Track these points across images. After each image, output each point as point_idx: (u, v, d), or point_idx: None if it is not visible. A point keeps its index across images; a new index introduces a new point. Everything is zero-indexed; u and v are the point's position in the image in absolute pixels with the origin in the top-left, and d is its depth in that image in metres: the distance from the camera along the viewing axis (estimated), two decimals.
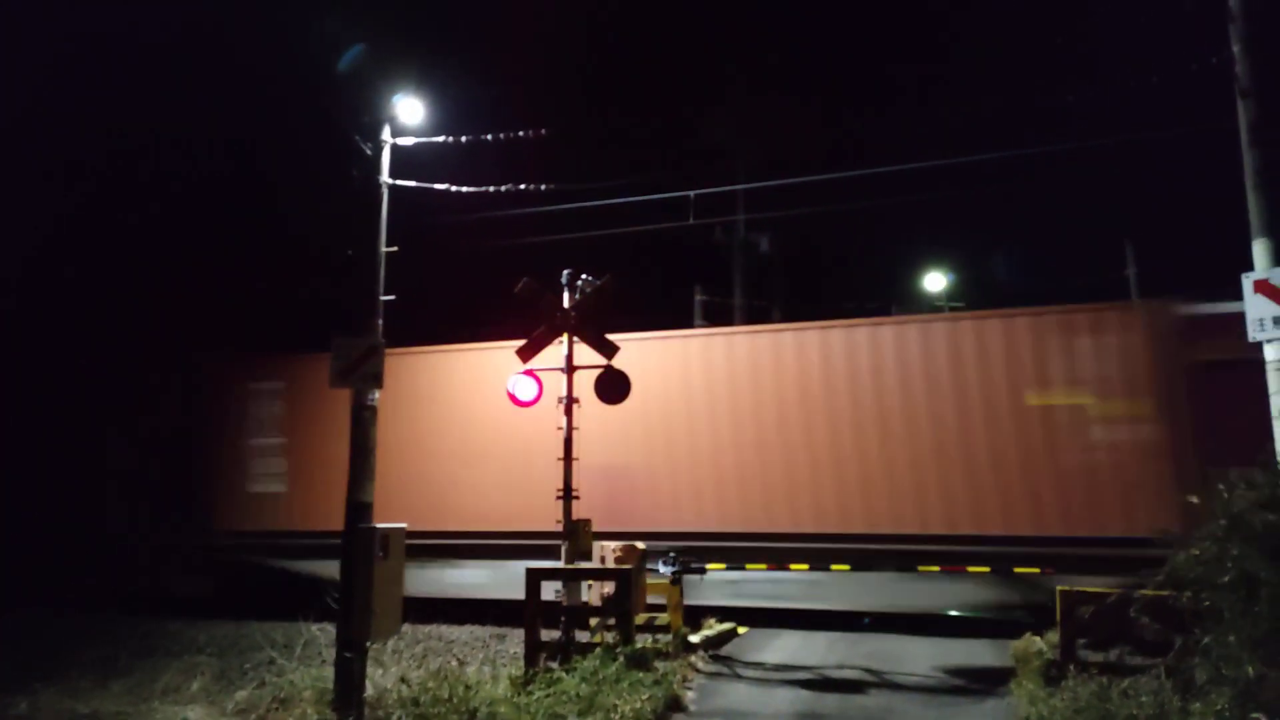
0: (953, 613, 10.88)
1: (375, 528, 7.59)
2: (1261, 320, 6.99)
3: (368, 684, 7.20)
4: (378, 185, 8.68)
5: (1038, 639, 8.76)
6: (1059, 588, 7.65)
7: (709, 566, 10.78)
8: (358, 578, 7.38)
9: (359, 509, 7.77)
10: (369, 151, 8.67)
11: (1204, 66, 7.80)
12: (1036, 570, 10.16)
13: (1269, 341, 6.99)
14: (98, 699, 8.18)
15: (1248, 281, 7.11)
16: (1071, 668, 7.05)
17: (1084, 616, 7.25)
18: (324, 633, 8.07)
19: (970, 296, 22.47)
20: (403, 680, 7.09)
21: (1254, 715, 4.54)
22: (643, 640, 8.93)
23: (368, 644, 7.28)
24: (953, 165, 11.99)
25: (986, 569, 10.42)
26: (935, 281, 22.44)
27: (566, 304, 9.95)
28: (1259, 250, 7.27)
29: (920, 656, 9.35)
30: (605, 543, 9.77)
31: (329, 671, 7.33)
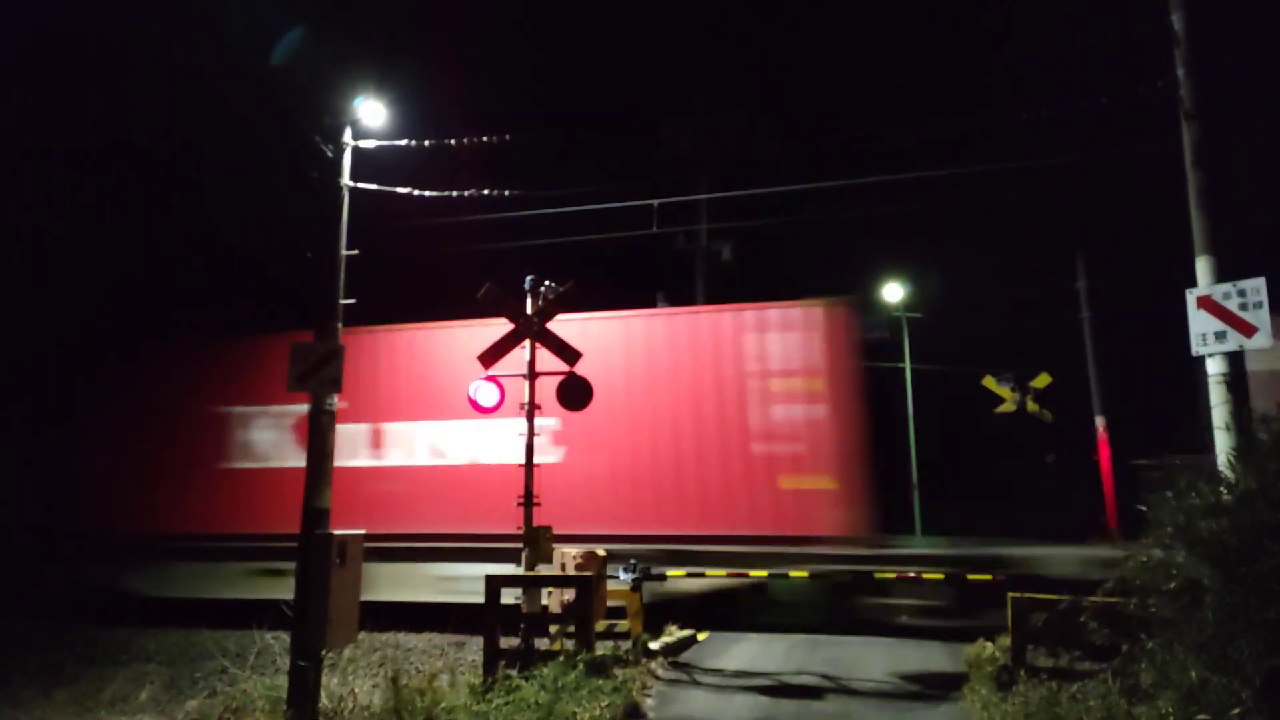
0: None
1: (332, 534, 7.49)
2: (1204, 335, 7.20)
3: (323, 693, 7.11)
4: (339, 188, 8.60)
5: (990, 645, 8.94)
6: (1010, 594, 7.82)
7: (669, 572, 10.82)
8: (314, 585, 7.27)
9: (316, 515, 7.67)
10: (330, 153, 8.59)
11: (1150, 89, 8.05)
12: (989, 577, 10.36)
13: (1210, 355, 7.22)
14: (41, 708, 7.97)
15: (1191, 297, 7.33)
16: (1022, 673, 7.21)
17: (1035, 623, 7.43)
18: (278, 640, 7.94)
19: (928, 307, 22.86)
20: (352, 692, 7.03)
21: (1200, 717, 4.68)
22: (602, 647, 8.93)
23: (323, 652, 7.18)
24: (912, 179, 12.22)
25: (940, 575, 10.60)
26: (893, 292, 22.79)
27: (529, 310, 9.93)
28: (1202, 267, 7.50)
29: (876, 661, 9.47)
30: (566, 548, 9.76)
31: (283, 680, 7.21)
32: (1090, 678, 6.66)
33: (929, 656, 9.74)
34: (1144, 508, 5.72)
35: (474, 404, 9.80)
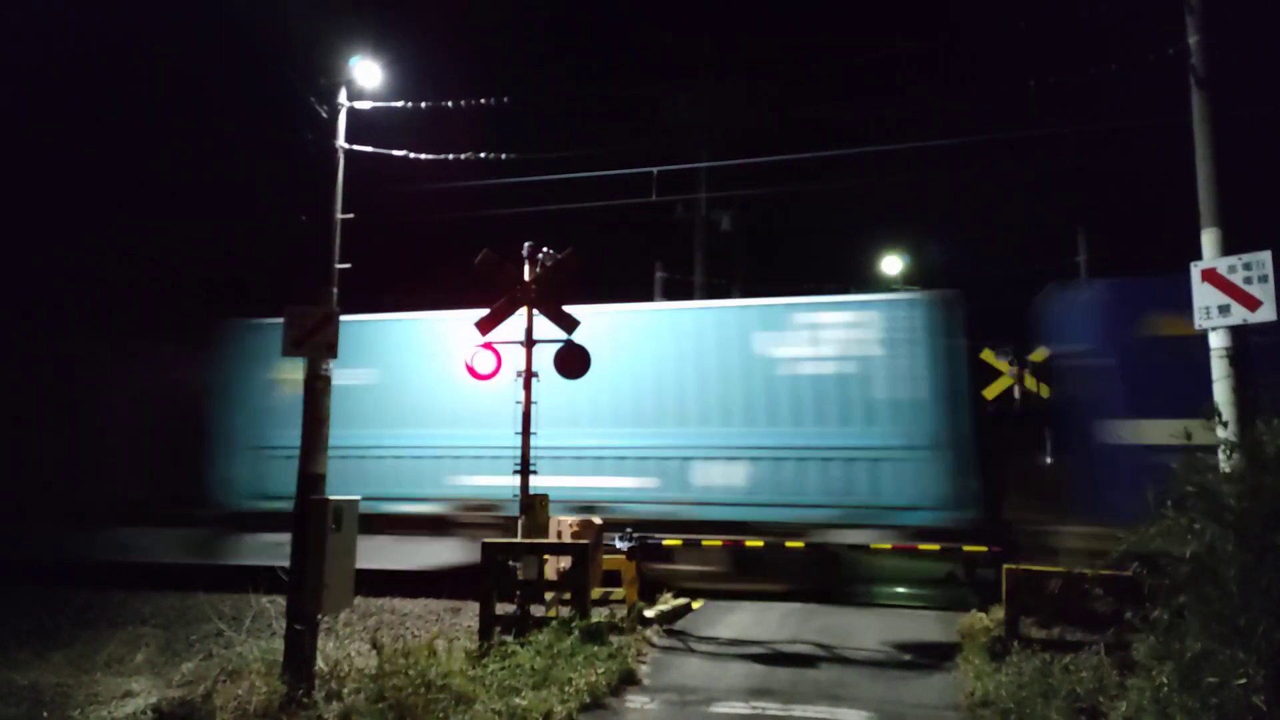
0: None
1: (328, 500, 7.46)
2: (1208, 308, 7.13)
3: (319, 657, 7.12)
4: (334, 150, 8.45)
5: (983, 615, 8.99)
6: (1005, 566, 7.84)
7: (665, 540, 10.84)
8: (310, 550, 7.26)
9: (311, 480, 7.63)
10: (325, 114, 8.43)
11: (1161, 56, 7.90)
12: (984, 549, 10.40)
13: (1214, 329, 7.15)
14: (37, 670, 7.98)
15: (1196, 270, 7.24)
16: (1016, 644, 7.23)
17: (1028, 594, 7.45)
18: (274, 605, 7.94)
19: (925, 279, 22.78)
20: (348, 656, 7.05)
21: (1210, 680, 4.63)
22: (598, 614, 8.96)
23: (319, 617, 7.18)
24: (912, 149, 12.09)
25: (936, 546, 10.64)
26: (892, 264, 22.70)
27: (527, 277, 9.84)
28: (1208, 240, 7.41)
29: (870, 631, 9.52)
30: (562, 517, 9.76)
31: (279, 644, 7.22)
32: (1084, 649, 6.68)
33: (923, 627, 9.79)
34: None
35: (471, 371, 9.74)
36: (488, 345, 9.70)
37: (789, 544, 11.14)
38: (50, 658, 8.40)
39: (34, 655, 8.51)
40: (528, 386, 9.73)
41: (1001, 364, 19.39)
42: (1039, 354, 18.90)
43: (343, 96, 8.57)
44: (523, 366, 9.74)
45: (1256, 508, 4.85)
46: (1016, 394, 18.08)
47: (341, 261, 8.29)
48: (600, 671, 7.18)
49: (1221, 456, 5.76)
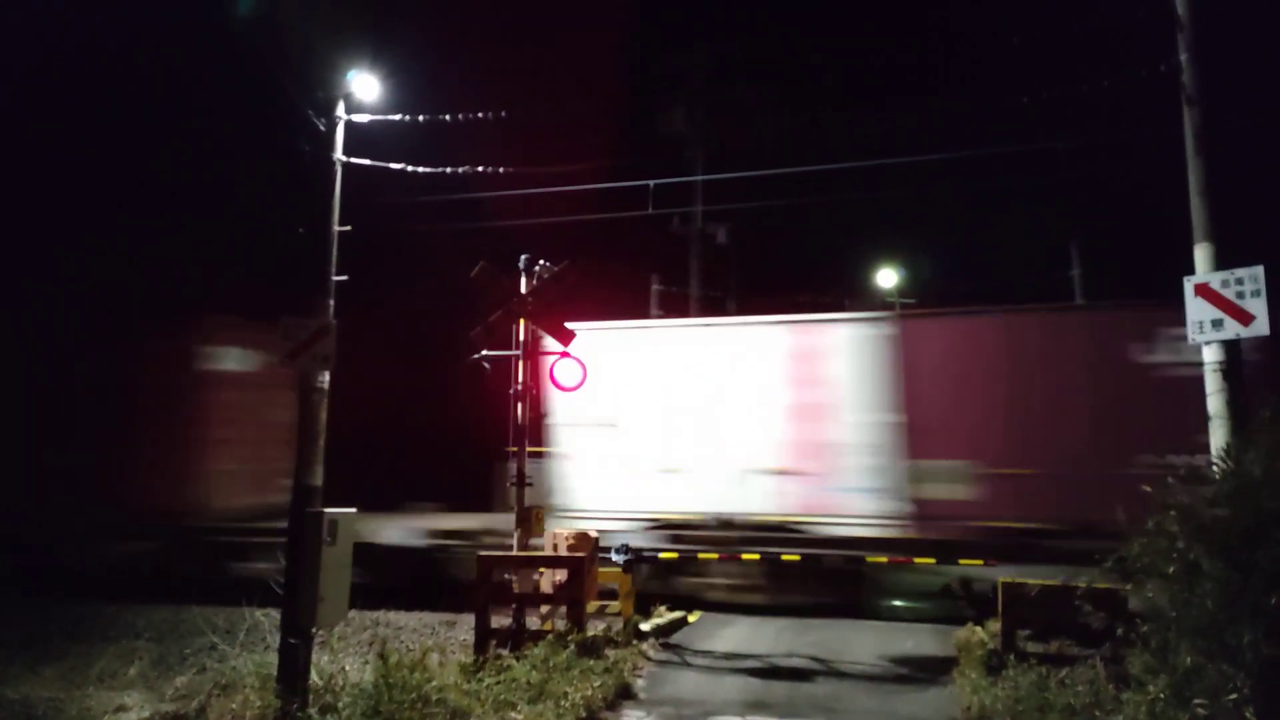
0: None
1: (324, 512, 7.44)
2: (1200, 323, 7.16)
3: (313, 670, 7.08)
4: (331, 163, 8.47)
5: (979, 629, 8.98)
6: (1000, 579, 7.84)
7: (661, 554, 10.82)
8: (304, 563, 7.23)
9: (307, 492, 7.60)
10: (322, 127, 8.45)
11: (1152, 73, 7.96)
12: (980, 562, 10.40)
13: (1207, 344, 7.19)
14: (28, 684, 7.92)
15: (1189, 285, 7.28)
16: (1012, 658, 7.23)
17: (1023, 608, 7.45)
18: (268, 618, 7.90)
19: (920, 293, 22.84)
20: (343, 670, 7.02)
21: (1198, 701, 4.68)
22: (594, 628, 8.93)
23: (314, 630, 7.15)
24: (908, 163, 12.15)
25: (932, 560, 10.63)
26: (887, 278, 22.78)
27: (524, 290, 9.85)
28: (1200, 255, 7.45)
29: (866, 645, 9.51)
30: (558, 529, 9.74)
31: (273, 657, 7.17)
32: (1079, 663, 6.69)
33: (918, 641, 9.78)
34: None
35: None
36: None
37: (785, 557, 11.14)
38: (42, 671, 8.34)
39: (25, 668, 8.44)
40: (522, 399, 9.73)
41: None
42: None
43: (341, 110, 8.59)
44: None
45: (1240, 527, 4.89)
46: None
47: (339, 274, 8.30)
48: (596, 685, 7.16)
49: (1217, 467, 5.79)
